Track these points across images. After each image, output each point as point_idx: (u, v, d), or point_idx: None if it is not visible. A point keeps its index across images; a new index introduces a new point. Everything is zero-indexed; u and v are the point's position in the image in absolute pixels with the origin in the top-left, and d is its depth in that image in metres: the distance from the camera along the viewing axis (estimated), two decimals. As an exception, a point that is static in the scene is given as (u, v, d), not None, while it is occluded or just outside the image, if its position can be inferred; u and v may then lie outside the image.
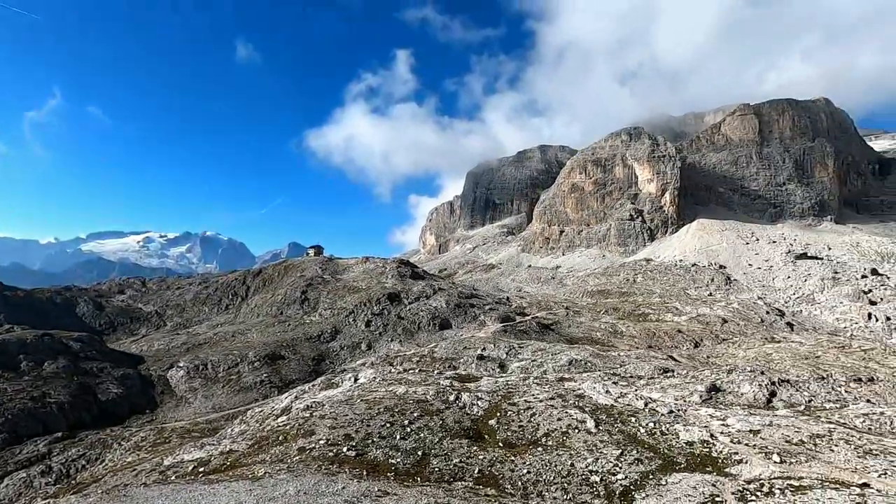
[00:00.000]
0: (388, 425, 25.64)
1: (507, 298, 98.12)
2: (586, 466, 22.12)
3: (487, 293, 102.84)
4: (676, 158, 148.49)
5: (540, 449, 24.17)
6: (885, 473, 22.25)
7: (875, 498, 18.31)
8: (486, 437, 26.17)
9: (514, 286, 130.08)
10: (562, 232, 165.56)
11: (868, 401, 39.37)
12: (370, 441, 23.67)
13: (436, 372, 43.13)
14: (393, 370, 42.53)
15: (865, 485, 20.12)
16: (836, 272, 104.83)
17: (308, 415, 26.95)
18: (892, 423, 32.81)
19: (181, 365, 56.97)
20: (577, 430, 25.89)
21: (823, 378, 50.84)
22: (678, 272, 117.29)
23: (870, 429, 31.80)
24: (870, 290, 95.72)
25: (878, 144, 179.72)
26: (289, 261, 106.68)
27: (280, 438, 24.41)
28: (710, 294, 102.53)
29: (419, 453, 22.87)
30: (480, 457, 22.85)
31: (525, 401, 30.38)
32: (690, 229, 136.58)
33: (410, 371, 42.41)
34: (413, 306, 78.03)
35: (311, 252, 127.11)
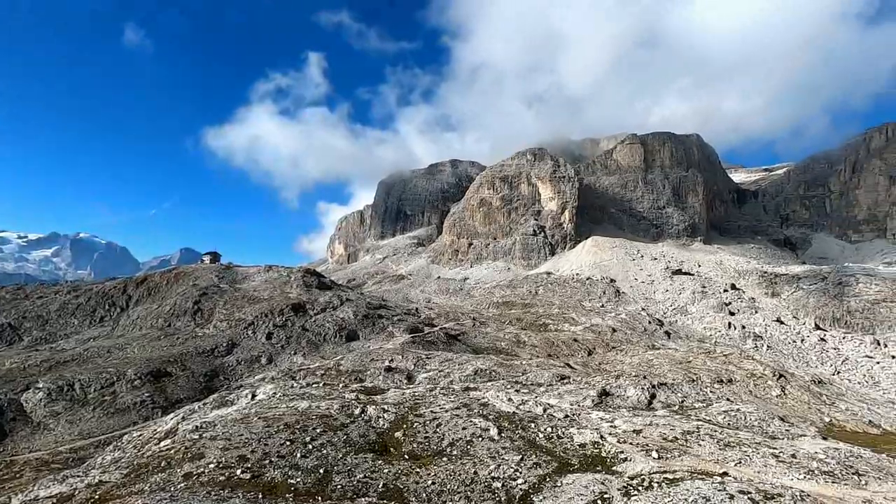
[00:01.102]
0: (288, 443, 24.33)
1: (417, 309, 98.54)
2: (489, 473, 22.71)
3: (397, 304, 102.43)
4: (575, 180, 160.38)
5: (445, 459, 24.39)
6: (741, 462, 25.54)
7: (732, 484, 20.92)
8: (392, 449, 25.85)
9: (424, 297, 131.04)
10: (470, 244, 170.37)
11: (728, 399, 45.08)
12: (268, 461, 22.28)
13: (341, 385, 41.88)
14: (295, 385, 40.54)
15: (725, 473, 22.94)
16: (704, 286, 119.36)
17: (197, 436, 24.70)
18: (746, 418, 37.83)
19: (40, 386, 49.40)
20: (481, 439, 26.53)
21: (694, 381, 57.34)
22: (575, 285, 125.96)
23: (729, 424, 36.38)
24: (730, 303, 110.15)
25: (736, 177, 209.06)
26: (180, 268, 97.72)
27: (162, 464, 22.08)
28: (603, 305, 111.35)
29: (321, 471, 21.96)
30: (385, 470, 22.50)
31: (431, 412, 30.54)
32: (586, 245, 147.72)
33: (314, 385, 40.74)
34: (319, 317, 75.31)
35: (207, 259, 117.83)
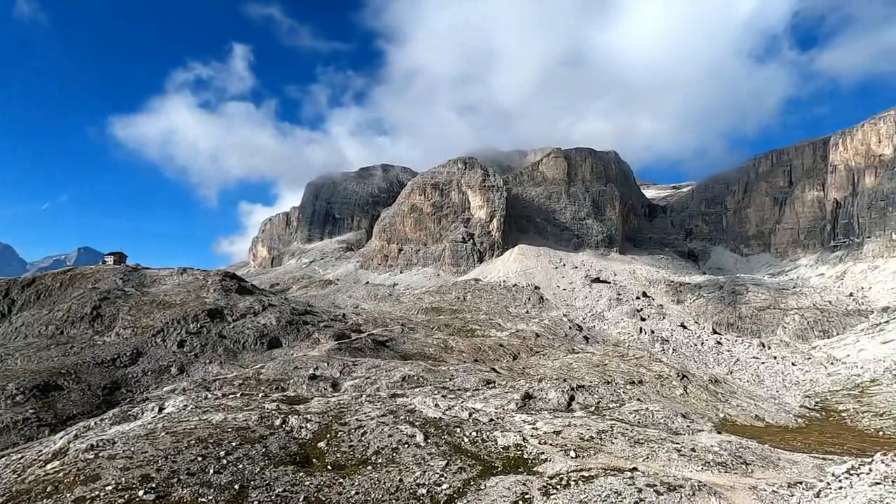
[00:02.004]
0: (199, 459, 22.65)
1: (344, 315, 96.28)
2: (414, 480, 22.59)
3: (323, 310, 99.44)
4: (503, 189, 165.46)
5: (370, 468, 23.93)
6: (648, 457, 27.43)
7: (641, 479, 22.42)
8: (315, 460, 24.95)
9: (352, 303, 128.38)
10: (400, 250, 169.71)
11: (638, 399, 48.37)
12: (176, 479, 20.59)
13: (261, 395, 39.83)
14: (210, 396, 37.96)
15: (635, 469, 24.54)
16: (619, 294, 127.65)
17: (92, 456, 22.30)
18: (653, 416, 40.75)
19: None
20: (407, 445, 26.34)
21: (609, 382, 60.86)
22: (502, 292, 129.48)
23: (639, 422, 39.00)
24: (641, 309, 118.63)
25: (648, 193, 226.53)
26: (77, 269, 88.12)
27: (48, 490, 19.68)
28: (527, 311, 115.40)
29: (236, 487, 20.69)
30: (307, 483, 21.65)
31: (357, 420, 29.88)
32: (513, 253, 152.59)
33: (231, 396, 38.39)
34: (238, 324, 71.20)
35: (111, 260, 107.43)
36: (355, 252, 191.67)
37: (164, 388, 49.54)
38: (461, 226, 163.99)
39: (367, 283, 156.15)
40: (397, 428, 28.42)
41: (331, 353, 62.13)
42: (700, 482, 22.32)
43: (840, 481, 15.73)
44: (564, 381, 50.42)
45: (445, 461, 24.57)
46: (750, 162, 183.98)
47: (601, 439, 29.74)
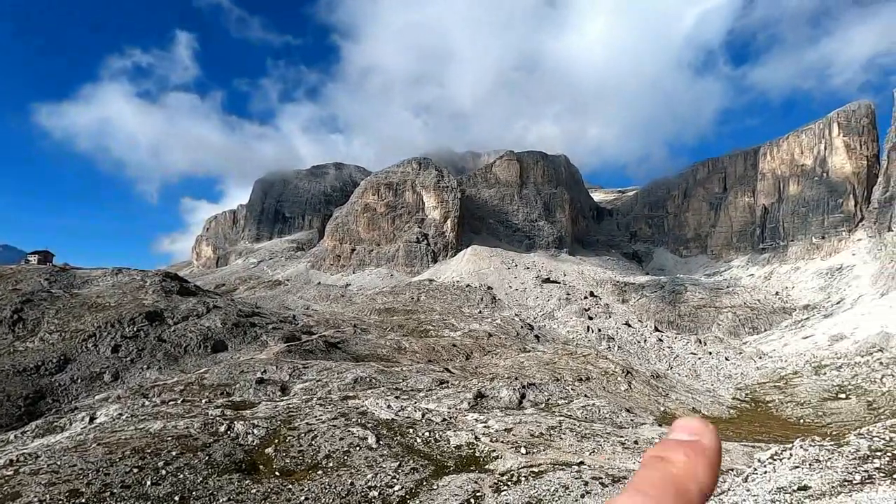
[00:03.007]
0: (135, 470, 21.37)
1: (294, 317, 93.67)
2: (366, 483, 22.31)
3: (272, 311, 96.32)
4: (457, 190, 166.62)
5: (321, 472, 23.42)
6: (594, 451, 28.43)
7: (587, 472, 23.22)
8: (263, 467, 24.14)
9: (302, 304, 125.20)
10: (353, 250, 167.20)
11: (586, 395, 50.05)
12: (108, 493, 19.33)
13: (204, 401, 38.09)
14: (147, 403, 35.90)
15: (582, 462, 25.38)
16: (569, 294, 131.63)
17: (11, 472, 20.55)
18: (599, 411, 42.28)
19: None
20: (358, 448, 25.98)
21: (558, 380, 62.56)
22: (455, 292, 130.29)
23: (586, 417, 40.35)
24: (589, 308, 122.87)
25: (596, 196, 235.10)
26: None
27: (-40, 510, 17.95)
28: (480, 312, 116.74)
29: (176, 498, 19.68)
30: (254, 491, 20.91)
31: (307, 423, 29.17)
32: (466, 254, 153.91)
33: (171, 403, 36.49)
34: (180, 326, 67.68)
35: (34, 259, 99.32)
36: (306, 252, 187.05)
37: (96, 397, 46.38)
38: (415, 226, 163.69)
39: (319, 283, 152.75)
40: (349, 430, 27.98)
41: (280, 356, 60.29)
42: (642, 473, 23.30)
43: (765, 466, 16.93)
44: (516, 379, 51.37)
45: (398, 462, 24.43)
46: (689, 169, 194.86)
47: (550, 435, 30.55)
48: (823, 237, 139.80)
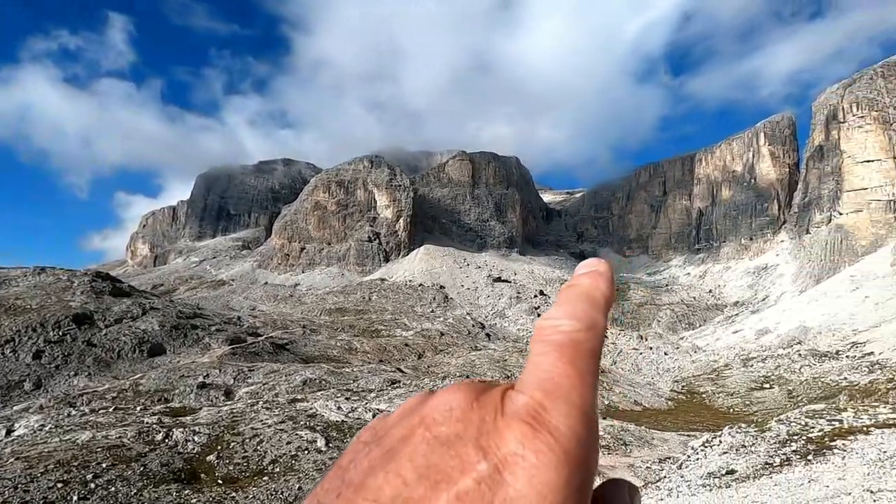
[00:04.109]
0: (60, 485, 19.85)
1: (239, 318, 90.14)
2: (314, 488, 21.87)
3: (215, 312, 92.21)
4: (410, 189, 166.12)
5: (266, 478, 22.70)
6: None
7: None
8: (204, 475, 23.08)
9: (248, 304, 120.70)
10: (303, 249, 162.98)
11: (535, 391, 51.36)
12: (28, 511, 17.87)
13: (140, 409, 35.97)
14: (74, 413, 33.46)
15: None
16: (519, 293, 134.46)
17: (-88, 493, 18.57)
18: (547, 406, 43.42)
19: None
20: (307, 452, 25.39)
21: (508, 377, 63.74)
22: (408, 291, 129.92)
23: (535, 413, 41.36)
24: (538, 307, 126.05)
25: (546, 197, 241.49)
26: None
27: None
28: (433, 311, 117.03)
29: (107, 513, 18.50)
30: (194, 501, 19.96)
31: (252, 428, 28.17)
32: (419, 253, 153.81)
33: (102, 411, 34.20)
34: (112, 330, 63.44)
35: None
36: (253, 251, 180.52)
37: (15, 407, 42.67)
38: (367, 225, 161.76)
39: (266, 283, 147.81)
40: (297, 434, 27.28)
41: (224, 359, 57.85)
42: (587, 465, 24.17)
43: (697, 453, 18.04)
44: (467, 377, 51.85)
45: (348, 465, 24.09)
46: (632, 172, 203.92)
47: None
48: (751, 239, 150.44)
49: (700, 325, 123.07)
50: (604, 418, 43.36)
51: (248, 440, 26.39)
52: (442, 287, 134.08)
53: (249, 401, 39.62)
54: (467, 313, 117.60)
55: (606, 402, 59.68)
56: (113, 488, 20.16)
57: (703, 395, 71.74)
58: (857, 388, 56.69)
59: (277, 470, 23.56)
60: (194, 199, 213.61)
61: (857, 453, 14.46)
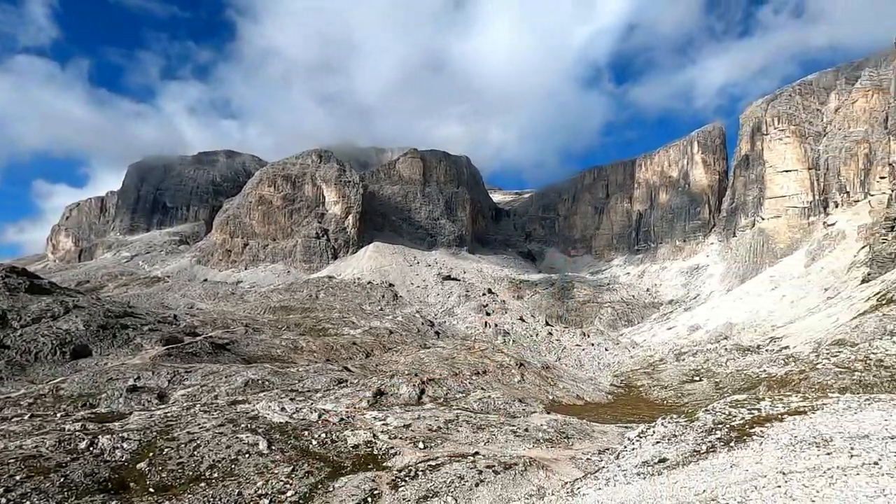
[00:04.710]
0: (-36, 502, 18.06)
1: (175, 317, 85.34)
2: (255, 491, 21.12)
3: (149, 311, 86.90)
4: (360, 186, 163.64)
5: (203, 484, 21.70)
6: (489, 441, 29.70)
7: (482, 461, 24.17)
8: (134, 484, 21.75)
9: (186, 302, 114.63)
10: (246, 245, 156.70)
11: (482, 388, 52.10)
12: (-75, 532, 16.13)
13: (60, 415, 33.34)
14: (-17, 421, 30.56)
15: (477, 453, 26.37)
16: (468, 291, 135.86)
17: None
18: (494, 402, 44.26)
19: None
20: (248, 455, 24.49)
21: (457, 374, 64.32)
22: (356, 289, 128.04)
23: (482, 409, 42.02)
24: (487, 305, 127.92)
25: (495, 197, 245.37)
26: None
27: None
28: (381, 309, 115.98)
29: (21, 529, 17.05)
30: (121, 511, 18.75)
31: (188, 433, 26.82)
32: (368, 251, 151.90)
33: (16, 419, 31.43)
34: (29, 330, 58.25)
35: None
36: (191, 246, 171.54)
37: (-89, 417, 38.26)
38: (315, 221, 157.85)
39: (206, 280, 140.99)
40: (237, 437, 26.25)
41: (157, 361, 54.65)
42: (531, 458, 24.86)
43: (633, 444, 18.99)
44: (416, 375, 51.92)
45: (291, 467, 23.43)
46: (578, 175, 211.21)
47: (448, 428, 31.34)
48: (685, 240, 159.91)
49: (638, 322, 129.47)
50: (548, 413, 44.71)
51: (183, 445, 25.09)
52: (391, 285, 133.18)
53: (186, 404, 37.66)
54: (417, 311, 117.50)
55: (550, 398, 61.53)
56: (28, 502, 18.57)
57: (640, 389, 75.55)
58: (774, 379, 61.68)
59: (216, 475, 22.57)
60: (126, 190, 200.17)
61: (772, 439, 15.76)
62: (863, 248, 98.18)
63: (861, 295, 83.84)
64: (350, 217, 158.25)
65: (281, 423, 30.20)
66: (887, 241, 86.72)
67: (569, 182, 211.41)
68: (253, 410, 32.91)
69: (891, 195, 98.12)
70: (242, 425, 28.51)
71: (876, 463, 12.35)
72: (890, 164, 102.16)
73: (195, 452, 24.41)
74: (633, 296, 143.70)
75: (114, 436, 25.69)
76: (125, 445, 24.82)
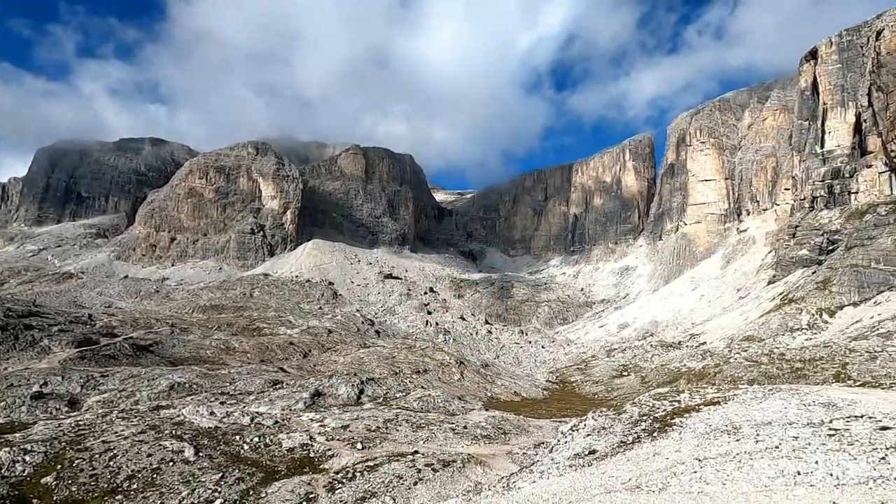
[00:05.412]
0: None
1: (90, 316, 78.59)
2: (180, 501, 19.91)
3: (58, 310, 79.46)
4: (299, 181, 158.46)
5: (120, 496, 20.16)
6: (428, 439, 29.80)
7: (421, 460, 24.20)
8: (37, 501, 19.80)
9: (103, 301, 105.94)
10: (173, 240, 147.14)
11: (422, 387, 52.16)
12: None
13: (-51, 426, 29.67)
14: None
15: (416, 451, 26.37)
16: (410, 290, 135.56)
17: None
18: (434, 401, 44.47)
19: None
20: (172, 463, 23.03)
21: (397, 373, 64.02)
22: (294, 287, 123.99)
23: (422, 408, 42.07)
24: (428, 303, 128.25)
25: (438, 196, 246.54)
26: None
27: None
28: (320, 308, 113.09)
29: None
30: (22, 531, 17.01)
31: (104, 442, 24.81)
32: (307, 248, 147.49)
33: None
34: (-90, 332, 51.41)
35: None
36: (110, 240, 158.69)
37: None
38: (250, 216, 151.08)
39: (127, 277, 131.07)
40: (160, 445, 24.61)
41: (68, 364, 50.12)
42: (469, 455, 25.22)
43: (566, 437, 19.78)
44: (355, 375, 51.12)
45: (220, 474, 22.29)
46: (518, 177, 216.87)
47: (387, 428, 31.10)
48: (617, 243, 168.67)
49: (573, 321, 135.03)
50: (486, 409, 45.57)
51: (97, 456, 23.15)
52: (331, 283, 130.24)
53: (101, 411, 34.80)
54: (357, 310, 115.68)
55: (489, 395, 62.75)
56: None
57: (574, 384, 78.86)
58: (693, 372, 66.52)
59: (135, 486, 21.03)
60: (33, 177, 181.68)
61: (690, 428, 16.99)
62: (769, 252, 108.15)
63: (767, 295, 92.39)
64: (288, 213, 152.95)
65: (210, 427, 28.65)
66: (790, 247, 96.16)
67: (510, 184, 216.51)
68: (178, 415, 30.98)
69: (793, 205, 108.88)
70: (166, 432, 26.77)
71: (777, 447, 13.65)
72: (793, 178, 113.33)
73: (111, 463, 22.62)
74: (569, 295, 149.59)
75: (13, 448, 23.24)
76: (27, 458, 22.54)
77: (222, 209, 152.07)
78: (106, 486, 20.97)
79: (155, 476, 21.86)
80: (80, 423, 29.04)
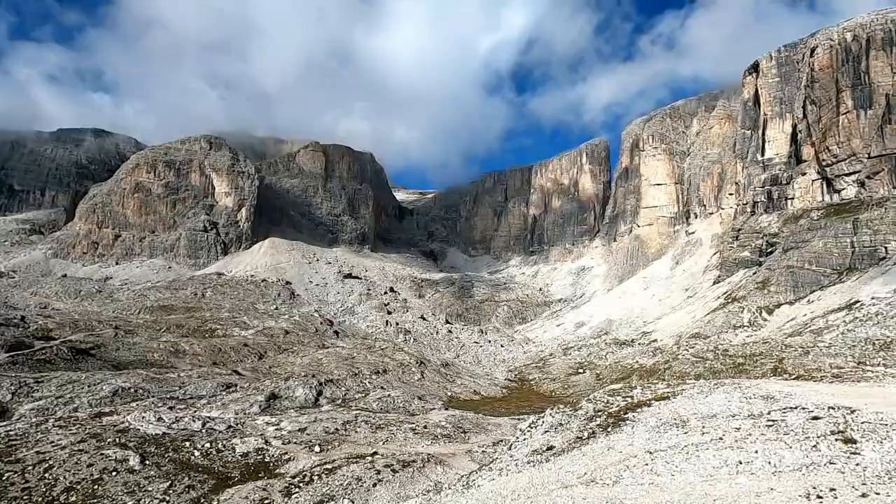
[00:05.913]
0: None
1: (23, 318, 73.30)
2: (124, 513, 18.88)
3: (-13, 312, 73.65)
4: (255, 177, 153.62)
5: (56, 510, 18.90)
6: (388, 440, 29.59)
7: (380, 461, 23.99)
8: (-40, 519, 18.32)
9: (38, 301, 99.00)
10: (117, 237, 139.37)
11: (382, 387, 51.73)
12: None
13: None
14: None
15: (375, 453, 26.12)
16: (370, 289, 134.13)
17: None
18: (394, 401, 44.20)
19: None
20: (115, 473, 21.82)
21: (356, 374, 63.23)
22: (249, 287, 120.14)
23: (382, 409, 41.74)
24: (388, 303, 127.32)
25: (399, 196, 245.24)
26: None
27: None
28: (277, 308, 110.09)
29: None
30: (-57, 552, 15.65)
31: (38, 453, 23.21)
32: (263, 246, 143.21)
33: None
34: None
35: None
36: (46, 236, 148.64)
37: None
38: (202, 213, 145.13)
39: (65, 276, 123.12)
40: (102, 454, 23.26)
41: (-2, 370, 46.52)
42: (429, 454, 25.22)
43: (524, 434, 20.14)
44: (313, 376, 50.12)
45: (169, 482, 21.32)
46: (479, 178, 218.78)
47: (346, 430, 30.66)
48: (574, 244, 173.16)
49: (532, 320, 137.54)
50: (446, 409, 45.72)
51: (31, 468, 21.62)
52: (288, 283, 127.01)
53: (35, 419, 32.52)
54: (315, 310, 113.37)
55: (449, 394, 62.98)
56: None
57: (532, 382, 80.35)
58: (644, 369, 69.19)
59: (73, 499, 19.78)
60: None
61: (641, 422, 17.66)
62: (715, 254, 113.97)
63: (713, 294, 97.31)
64: (243, 210, 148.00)
65: (157, 434, 27.33)
66: (733, 249, 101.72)
67: (470, 185, 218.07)
68: (123, 422, 29.37)
69: (736, 209, 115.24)
70: (109, 440, 25.32)
71: (721, 438, 14.41)
72: (736, 183, 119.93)
73: (46, 475, 21.18)
74: (528, 294, 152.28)
75: (-66, 462, 21.35)
76: (-50, 473, 20.77)
77: (172, 205, 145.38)
78: (41, 499, 19.62)
79: (96, 487, 20.64)
80: (11, 433, 27.02)
